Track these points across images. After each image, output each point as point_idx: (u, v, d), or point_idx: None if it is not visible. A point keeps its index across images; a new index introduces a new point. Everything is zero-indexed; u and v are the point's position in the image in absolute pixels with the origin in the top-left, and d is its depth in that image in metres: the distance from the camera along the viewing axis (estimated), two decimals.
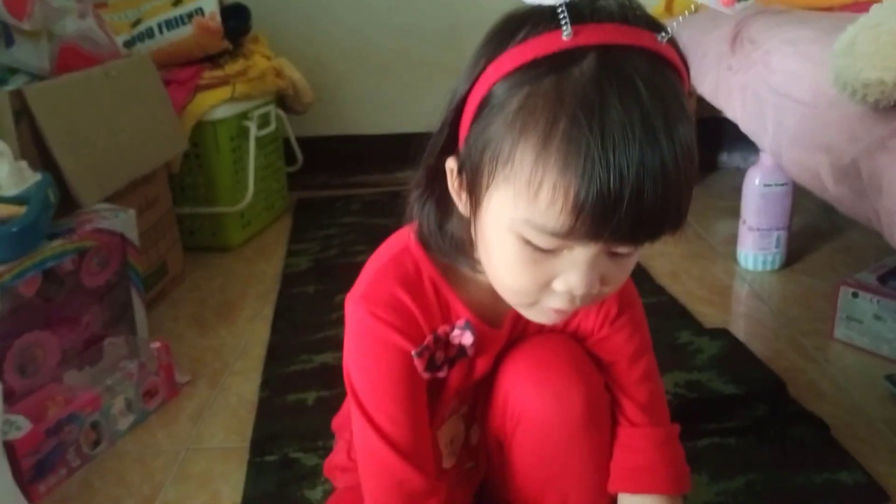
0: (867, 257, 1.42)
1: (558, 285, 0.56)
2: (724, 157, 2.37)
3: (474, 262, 0.64)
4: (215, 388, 1.29)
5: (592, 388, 0.68)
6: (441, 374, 0.67)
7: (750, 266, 1.65)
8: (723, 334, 1.35)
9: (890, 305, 1.26)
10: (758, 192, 1.57)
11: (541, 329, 0.71)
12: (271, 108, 1.96)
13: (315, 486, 1.00)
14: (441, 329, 0.66)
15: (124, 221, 1.29)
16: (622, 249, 0.55)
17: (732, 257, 1.71)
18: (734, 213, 1.70)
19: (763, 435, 1.07)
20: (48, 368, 1.17)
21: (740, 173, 1.67)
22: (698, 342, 1.32)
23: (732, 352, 1.29)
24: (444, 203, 0.63)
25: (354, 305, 0.67)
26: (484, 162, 0.54)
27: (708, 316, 1.45)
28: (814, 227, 1.88)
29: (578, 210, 0.49)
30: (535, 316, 0.61)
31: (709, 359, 1.26)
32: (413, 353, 0.65)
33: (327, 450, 0.96)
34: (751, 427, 1.08)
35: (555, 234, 0.52)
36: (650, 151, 0.49)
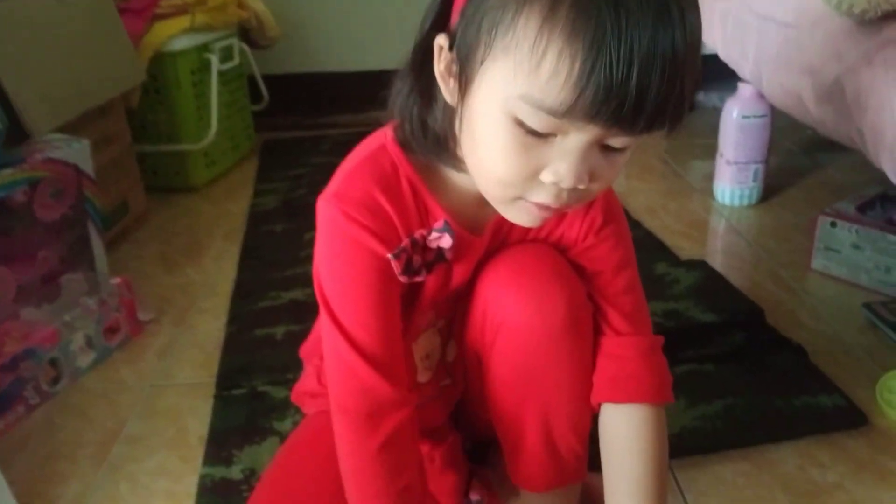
0: (845, 194, 1.40)
1: (546, 176, 0.52)
2: (701, 96, 2.33)
3: (457, 161, 0.60)
4: (181, 325, 1.24)
5: (575, 295, 0.65)
6: (419, 279, 0.64)
7: (727, 201, 1.63)
8: (700, 265, 1.33)
9: (868, 234, 1.25)
10: (736, 125, 1.54)
11: (522, 239, 0.68)
12: (234, 41, 1.88)
13: (285, 418, 0.97)
14: (418, 232, 0.63)
15: (78, 152, 1.22)
16: (617, 141, 0.52)
17: (710, 193, 1.68)
18: (711, 151, 1.68)
19: (741, 361, 1.05)
20: (4, 304, 1.11)
21: (717, 112, 1.64)
22: (675, 273, 1.30)
23: (709, 282, 1.27)
24: (428, 92, 0.59)
25: (326, 204, 0.62)
26: (482, 32, 0.50)
27: (685, 250, 1.43)
28: (791, 164, 1.87)
29: (583, 84, 0.46)
30: (517, 216, 0.57)
31: (686, 289, 1.24)
32: (390, 255, 0.61)
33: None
34: (729, 354, 1.07)
35: (552, 113, 0.48)
36: (663, 32, 0.46)
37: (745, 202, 1.62)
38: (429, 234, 0.63)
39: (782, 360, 1.06)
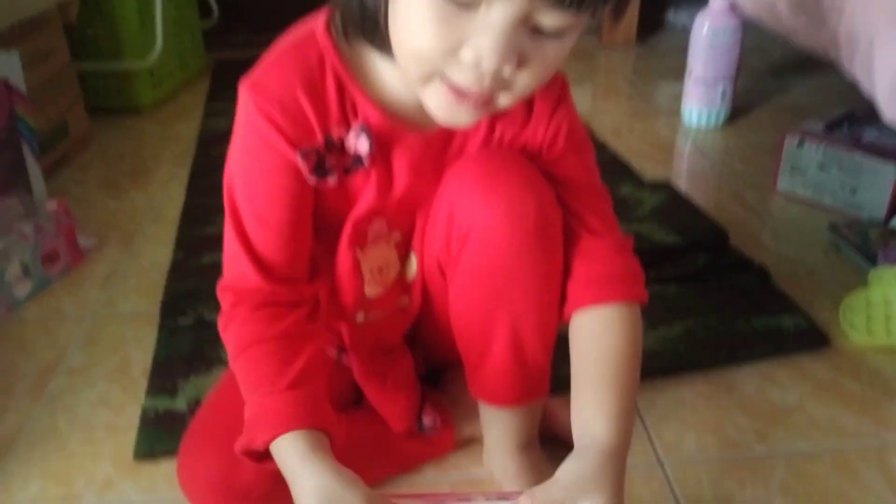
0: (813, 116, 1.36)
1: (466, 53, 0.49)
2: (671, 16, 2.27)
3: (390, 47, 0.55)
4: (125, 252, 1.19)
5: (544, 198, 0.61)
6: (331, 181, 0.60)
7: (694, 122, 1.59)
8: (664, 187, 1.30)
9: (835, 154, 1.22)
10: (706, 40, 1.49)
11: (484, 145, 0.63)
12: None
13: None
14: (336, 131, 0.59)
15: (6, 65, 1.14)
16: (549, 19, 0.48)
17: (677, 115, 1.64)
18: (679, 73, 1.62)
19: (703, 283, 1.03)
20: None
21: (687, 33, 1.58)
22: (639, 195, 1.26)
23: (674, 204, 1.24)
24: None
25: (244, 91, 0.59)
26: None
27: (649, 171, 1.39)
28: (759, 87, 1.82)
29: None
30: (433, 100, 0.53)
31: (650, 211, 1.21)
32: (298, 153, 0.58)
33: None
34: (691, 276, 1.04)
35: None
36: None
37: (712, 123, 1.58)
38: (346, 134, 0.59)
39: (745, 281, 1.04)
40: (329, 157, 0.59)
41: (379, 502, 0.53)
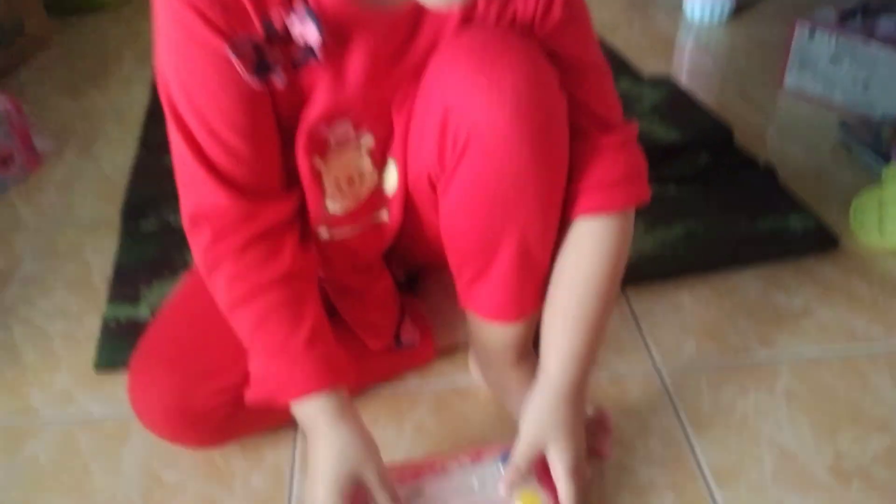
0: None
1: None
2: None
3: None
4: (85, 156, 1.11)
5: (551, 90, 0.53)
6: (277, 81, 0.50)
7: (697, 17, 1.48)
8: (664, 82, 1.21)
9: (849, 45, 1.13)
10: None
11: (465, 23, 0.53)
12: None
13: None
14: (276, 14, 0.48)
15: None
16: None
17: (678, 9, 1.53)
18: None
19: (705, 182, 0.96)
20: None
21: None
22: (638, 90, 1.18)
23: (675, 99, 1.16)
24: None
25: None
26: None
27: (650, 68, 1.30)
28: None
29: None
30: None
31: (650, 107, 1.13)
32: (228, 49, 0.47)
33: None
34: (692, 175, 0.97)
35: None
36: None
37: (716, 17, 1.48)
38: (290, 18, 0.48)
39: (749, 180, 0.97)
40: (271, 50, 0.48)
41: (386, 473, 0.55)
